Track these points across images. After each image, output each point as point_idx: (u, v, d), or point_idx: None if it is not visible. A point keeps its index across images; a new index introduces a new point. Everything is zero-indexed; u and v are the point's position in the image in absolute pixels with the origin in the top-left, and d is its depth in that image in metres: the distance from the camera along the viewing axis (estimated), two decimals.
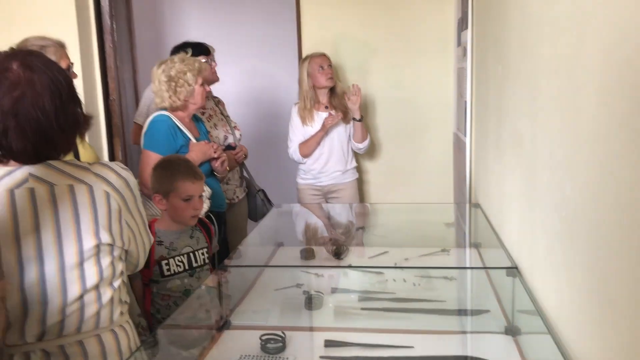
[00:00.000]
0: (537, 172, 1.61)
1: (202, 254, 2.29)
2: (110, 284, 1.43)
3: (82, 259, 1.36)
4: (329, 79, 3.50)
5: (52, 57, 2.38)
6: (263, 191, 3.33)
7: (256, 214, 3.27)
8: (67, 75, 1.39)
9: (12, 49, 1.58)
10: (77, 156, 2.49)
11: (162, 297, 2.21)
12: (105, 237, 1.38)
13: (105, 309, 1.42)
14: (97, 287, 1.39)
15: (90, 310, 1.39)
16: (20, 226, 1.33)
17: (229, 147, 3.08)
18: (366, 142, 3.62)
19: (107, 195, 1.38)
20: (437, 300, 2.10)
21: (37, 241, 1.33)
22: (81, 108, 1.42)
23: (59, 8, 3.57)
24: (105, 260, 1.40)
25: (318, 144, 3.51)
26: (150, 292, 2.22)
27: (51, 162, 1.38)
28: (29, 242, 1.33)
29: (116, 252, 1.43)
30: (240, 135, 3.26)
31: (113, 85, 3.95)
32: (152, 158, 2.60)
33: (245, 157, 3.19)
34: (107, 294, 1.41)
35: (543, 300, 1.58)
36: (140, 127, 3.08)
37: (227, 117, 3.28)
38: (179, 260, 2.22)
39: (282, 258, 2.65)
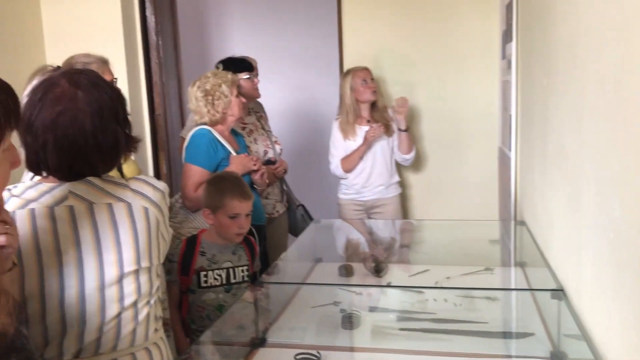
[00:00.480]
0: (583, 189, 1.53)
1: (242, 271, 2.29)
2: (147, 302, 1.42)
3: (121, 278, 1.36)
4: (373, 92, 3.46)
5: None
6: (303, 206, 3.32)
7: (296, 229, 3.25)
8: (116, 96, 1.39)
9: (58, 67, 1.61)
10: (120, 171, 2.54)
11: (196, 308, 2.22)
12: (144, 262, 1.38)
13: (140, 327, 1.41)
14: (134, 304, 1.39)
15: (127, 328, 1.39)
16: (61, 244, 1.33)
17: (269, 162, 3.08)
18: (412, 154, 3.57)
19: (146, 210, 1.37)
20: (480, 322, 2.02)
21: (79, 259, 1.33)
22: (127, 129, 1.42)
23: (107, 25, 3.66)
24: (143, 278, 1.39)
25: (361, 158, 3.47)
26: (188, 300, 2.23)
27: (91, 179, 1.37)
28: (69, 260, 1.33)
29: (153, 270, 1.43)
30: (281, 149, 3.26)
31: (158, 100, 4.02)
32: (194, 171, 2.63)
33: (285, 172, 3.19)
34: (143, 311, 1.41)
35: (590, 325, 1.50)
36: None
37: (268, 131, 3.28)
38: (217, 274, 2.23)
39: (320, 274, 2.62)
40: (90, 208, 1.34)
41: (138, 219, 1.36)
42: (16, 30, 3.45)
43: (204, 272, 2.21)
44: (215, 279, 2.23)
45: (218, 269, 2.23)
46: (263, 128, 3.26)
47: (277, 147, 3.23)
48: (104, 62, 2.48)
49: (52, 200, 1.35)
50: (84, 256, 1.33)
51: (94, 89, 1.34)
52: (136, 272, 1.37)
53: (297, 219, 3.25)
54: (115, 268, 1.34)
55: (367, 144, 3.42)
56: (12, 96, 0.94)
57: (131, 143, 1.44)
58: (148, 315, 1.42)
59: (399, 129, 3.49)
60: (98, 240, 1.33)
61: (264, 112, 3.46)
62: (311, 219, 3.27)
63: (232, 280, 2.26)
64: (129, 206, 1.36)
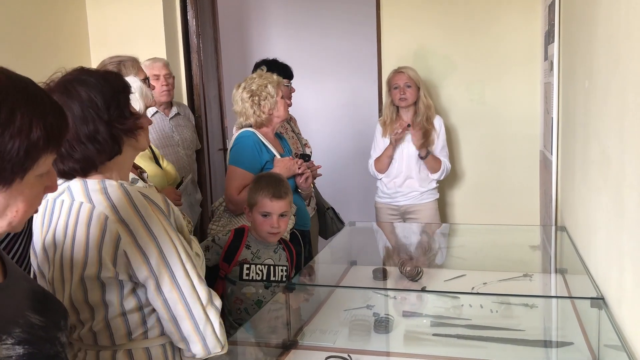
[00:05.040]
0: (625, 195, 1.48)
1: (282, 271, 2.29)
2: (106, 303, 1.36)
3: (81, 276, 1.34)
4: (400, 99, 3.38)
5: (131, 70, 2.58)
6: (333, 209, 3.28)
7: (326, 232, 3.23)
8: (98, 91, 1.37)
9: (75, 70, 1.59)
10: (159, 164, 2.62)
11: (235, 300, 2.22)
12: (91, 269, 1.33)
13: (119, 330, 1.38)
14: (97, 304, 1.36)
15: (100, 325, 1.37)
16: (48, 234, 1.40)
17: (303, 156, 3.03)
18: (438, 174, 3.43)
19: (105, 218, 1.32)
20: (516, 330, 1.98)
21: (54, 250, 1.38)
22: (116, 120, 1.39)
23: (149, 28, 3.74)
24: (94, 284, 1.35)
25: (389, 158, 3.40)
26: (224, 287, 2.24)
27: (88, 179, 1.39)
28: (50, 248, 1.39)
29: (112, 281, 1.35)
30: (311, 152, 3.24)
31: (199, 102, 4.08)
32: (238, 173, 2.63)
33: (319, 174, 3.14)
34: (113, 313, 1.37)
35: (631, 335, 1.45)
36: None
37: (298, 134, 3.27)
38: (259, 269, 2.24)
39: (354, 277, 2.61)
40: (71, 204, 1.37)
41: (94, 224, 1.33)
42: (63, 34, 3.56)
43: (247, 265, 2.22)
44: (257, 273, 2.23)
45: (260, 264, 2.24)
46: (293, 131, 3.26)
47: (307, 150, 3.21)
48: (135, 61, 2.63)
49: (56, 193, 1.40)
50: (55, 248, 1.37)
51: (65, 90, 1.35)
52: (82, 274, 1.34)
53: (327, 222, 3.23)
54: (68, 263, 1.35)
55: (393, 145, 3.36)
56: (60, 118, 0.93)
57: (127, 126, 1.41)
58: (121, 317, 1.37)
59: (419, 156, 3.39)
60: (65, 236, 1.36)
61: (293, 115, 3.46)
62: (341, 221, 3.24)
63: (272, 278, 2.26)
64: (92, 209, 1.34)
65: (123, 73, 2.59)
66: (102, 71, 1.45)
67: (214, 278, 2.24)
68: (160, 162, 2.71)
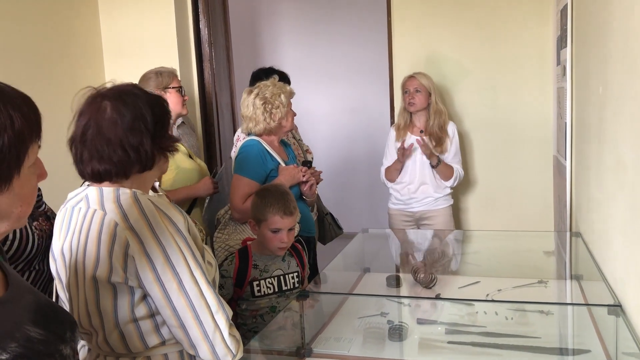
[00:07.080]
0: None
1: (293, 277, 2.29)
2: (114, 309, 1.39)
3: (94, 279, 1.37)
4: (409, 104, 3.39)
5: (167, 80, 2.86)
6: (331, 214, 3.27)
7: (325, 238, 3.22)
8: (146, 104, 1.43)
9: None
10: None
11: (250, 313, 2.23)
12: (103, 273, 1.36)
13: (133, 337, 1.39)
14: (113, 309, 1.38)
15: (113, 334, 1.39)
16: (65, 240, 1.44)
17: (305, 163, 3.04)
18: (451, 181, 3.42)
19: (115, 225, 1.35)
20: (532, 337, 1.96)
21: (68, 258, 1.42)
22: (160, 135, 1.44)
23: (162, 38, 3.77)
24: (105, 288, 1.38)
25: (397, 170, 3.42)
26: (236, 308, 2.25)
27: (104, 187, 1.42)
28: (67, 256, 1.42)
29: (122, 286, 1.38)
30: (312, 158, 3.24)
31: (211, 110, 4.10)
32: (243, 182, 2.64)
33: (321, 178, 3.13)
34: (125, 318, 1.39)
35: None
36: None
37: (299, 140, 3.28)
38: (269, 282, 2.24)
39: (367, 284, 2.60)
40: (86, 212, 1.40)
41: (104, 231, 1.36)
42: (76, 44, 3.59)
43: (257, 282, 2.23)
44: (267, 287, 2.24)
45: (269, 277, 2.25)
46: (294, 137, 3.26)
47: (309, 156, 3.21)
48: (172, 73, 2.94)
49: (75, 201, 1.46)
50: (71, 254, 1.41)
51: (120, 98, 1.41)
52: (94, 279, 1.36)
53: (325, 228, 3.21)
54: (82, 268, 1.38)
55: (401, 160, 3.36)
56: (34, 109, 0.95)
57: (165, 146, 1.47)
58: (135, 323, 1.39)
59: (430, 164, 3.38)
60: (79, 242, 1.39)
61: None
62: (339, 227, 3.24)
63: (284, 288, 2.26)
64: (104, 216, 1.37)
65: (159, 82, 2.87)
66: (152, 93, 1.52)
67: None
68: (194, 158, 2.89)
